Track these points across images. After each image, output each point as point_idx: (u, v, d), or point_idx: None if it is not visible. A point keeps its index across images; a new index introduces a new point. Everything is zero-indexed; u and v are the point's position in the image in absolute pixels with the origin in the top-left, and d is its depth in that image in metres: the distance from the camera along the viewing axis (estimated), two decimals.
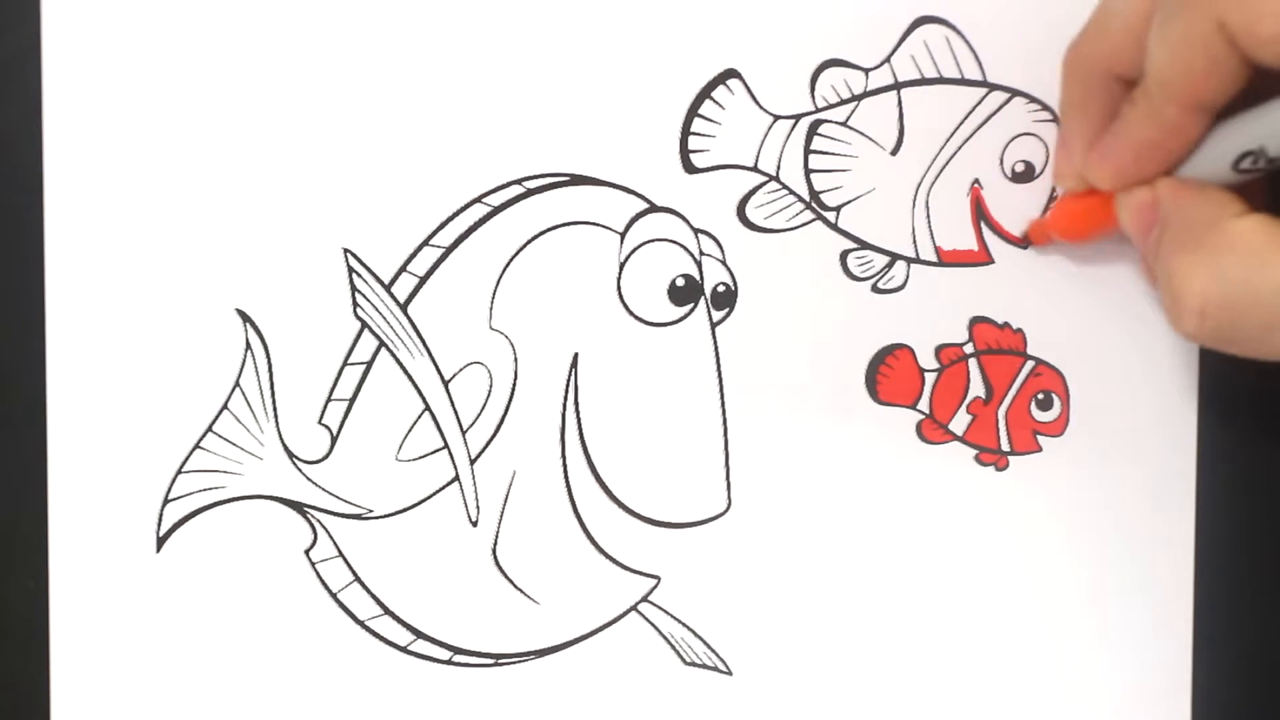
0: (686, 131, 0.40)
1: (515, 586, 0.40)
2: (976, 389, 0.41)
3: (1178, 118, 0.34)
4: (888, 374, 0.41)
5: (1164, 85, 0.34)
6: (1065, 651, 0.41)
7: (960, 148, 0.40)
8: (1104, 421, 0.41)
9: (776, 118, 0.40)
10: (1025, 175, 0.40)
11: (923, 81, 0.40)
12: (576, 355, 0.40)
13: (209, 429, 0.39)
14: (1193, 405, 0.41)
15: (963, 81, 0.40)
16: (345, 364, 0.39)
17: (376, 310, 0.39)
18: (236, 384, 0.39)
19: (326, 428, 0.39)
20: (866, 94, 0.40)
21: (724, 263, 0.40)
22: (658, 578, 0.40)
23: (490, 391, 0.40)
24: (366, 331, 0.39)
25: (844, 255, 0.40)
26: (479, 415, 0.40)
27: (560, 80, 0.39)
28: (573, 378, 0.40)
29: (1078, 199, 0.39)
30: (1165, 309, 0.35)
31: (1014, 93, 0.40)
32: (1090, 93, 0.37)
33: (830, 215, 0.40)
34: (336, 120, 0.39)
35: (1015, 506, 0.41)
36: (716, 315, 0.40)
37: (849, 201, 0.40)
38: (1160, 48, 0.33)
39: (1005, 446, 0.41)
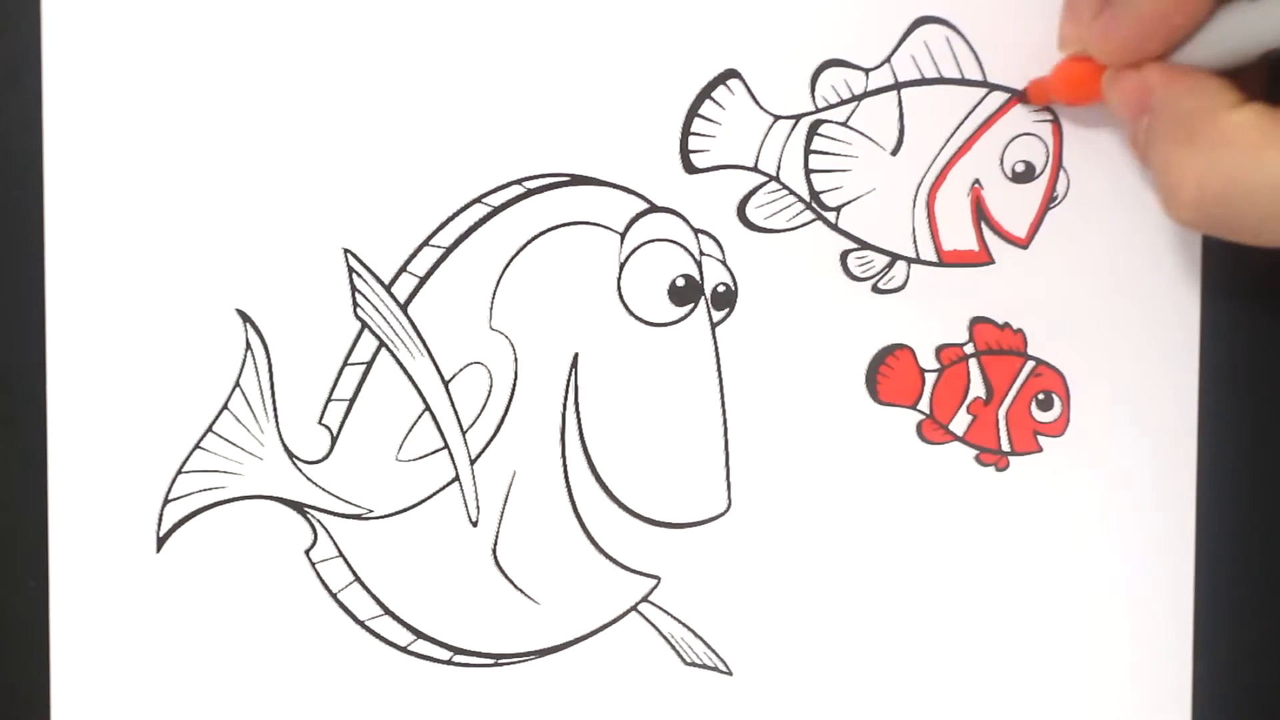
0: (686, 131, 0.40)
1: (515, 586, 0.40)
2: (977, 389, 0.41)
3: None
4: (888, 374, 0.41)
5: None
6: (1065, 651, 0.41)
7: (960, 148, 0.40)
8: (1104, 421, 0.41)
9: (776, 118, 0.40)
10: (1025, 175, 0.40)
11: (923, 81, 0.40)
12: (576, 355, 0.40)
13: (209, 429, 0.39)
14: (1192, 406, 0.41)
15: (963, 81, 0.40)
16: (345, 364, 0.39)
17: (376, 310, 0.39)
18: (236, 384, 0.39)
19: (326, 428, 0.39)
20: (867, 94, 0.40)
21: (724, 263, 0.40)
22: (658, 578, 0.40)
23: (490, 391, 0.40)
24: (366, 331, 0.39)
25: (844, 255, 0.40)
26: (479, 415, 0.40)
27: (560, 80, 0.39)
28: (573, 378, 0.40)
29: (1078, 63, 0.38)
30: (1159, 196, 0.35)
31: (1014, 93, 0.40)
32: None
33: (830, 215, 0.40)
34: (336, 120, 0.39)
35: (1015, 506, 0.41)
36: (716, 315, 0.40)
37: (849, 202, 0.40)
38: None
39: (1005, 447, 0.41)
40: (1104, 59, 0.37)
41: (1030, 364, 0.41)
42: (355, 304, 0.39)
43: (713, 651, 0.41)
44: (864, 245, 0.40)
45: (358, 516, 0.40)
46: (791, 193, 0.40)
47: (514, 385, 0.40)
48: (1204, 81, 0.35)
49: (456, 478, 0.40)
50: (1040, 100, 0.40)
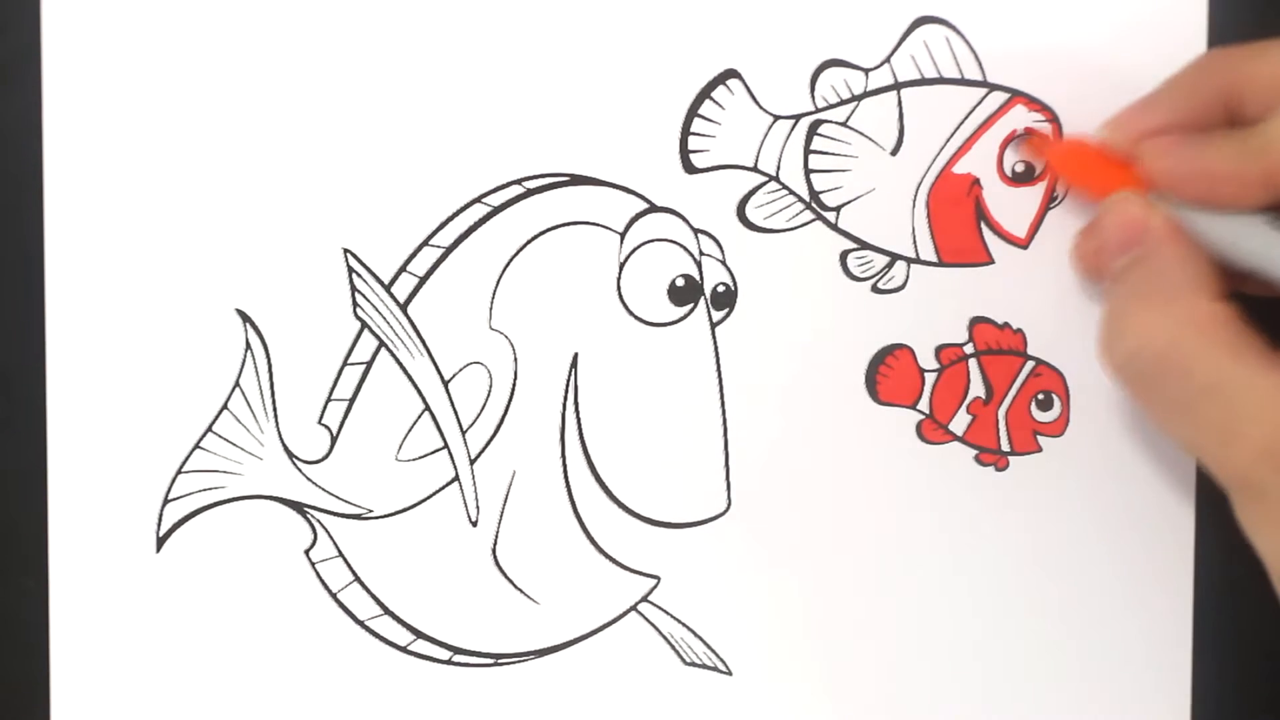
0: (686, 131, 0.40)
1: (515, 586, 0.40)
2: (976, 389, 0.41)
3: (1260, 185, 0.34)
4: (888, 374, 0.41)
5: (1270, 155, 0.34)
6: (1065, 651, 0.41)
7: (960, 148, 0.40)
8: (1104, 421, 0.41)
9: (776, 118, 0.40)
10: (1025, 175, 0.40)
11: (923, 82, 0.40)
12: (576, 355, 0.40)
13: (209, 429, 0.39)
14: None
15: (962, 81, 0.40)
16: (345, 364, 0.39)
17: (376, 310, 0.39)
18: (236, 384, 0.39)
19: (326, 428, 0.39)
20: (866, 94, 0.40)
21: (724, 263, 0.40)
22: (658, 578, 0.40)
23: (490, 391, 0.40)
24: (366, 331, 0.39)
25: (844, 255, 0.40)
26: (479, 415, 0.40)
27: (560, 80, 0.39)
28: (573, 378, 0.40)
29: (1100, 153, 0.38)
30: (1102, 331, 0.36)
31: (1014, 93, 0.40)
32: (1205, 92, 0.37)
33: (830, 215, 0.40)
34: (336, 120, 0.39)
35: (1015, 506, 0.41)
36: (716, 315, 0.40)
37: (849, 201, 0.40)
38: None
39: (1005, 447, 0.41)
40: (1151, 175, 0.37)
41: (1030, 364, 0.41)
42: (355, 304, 0.39)
43: (712, 651, 0.41)
44: (864, 245, 0.40)
45: (357, 516, 0.40)
46: (791, 193, 0.40)
47: (514, 385, 0.40)
48: (1200, 258, 0.35)
49: (456, 478, 0.40)
50: (1041, 154, 0.40)
